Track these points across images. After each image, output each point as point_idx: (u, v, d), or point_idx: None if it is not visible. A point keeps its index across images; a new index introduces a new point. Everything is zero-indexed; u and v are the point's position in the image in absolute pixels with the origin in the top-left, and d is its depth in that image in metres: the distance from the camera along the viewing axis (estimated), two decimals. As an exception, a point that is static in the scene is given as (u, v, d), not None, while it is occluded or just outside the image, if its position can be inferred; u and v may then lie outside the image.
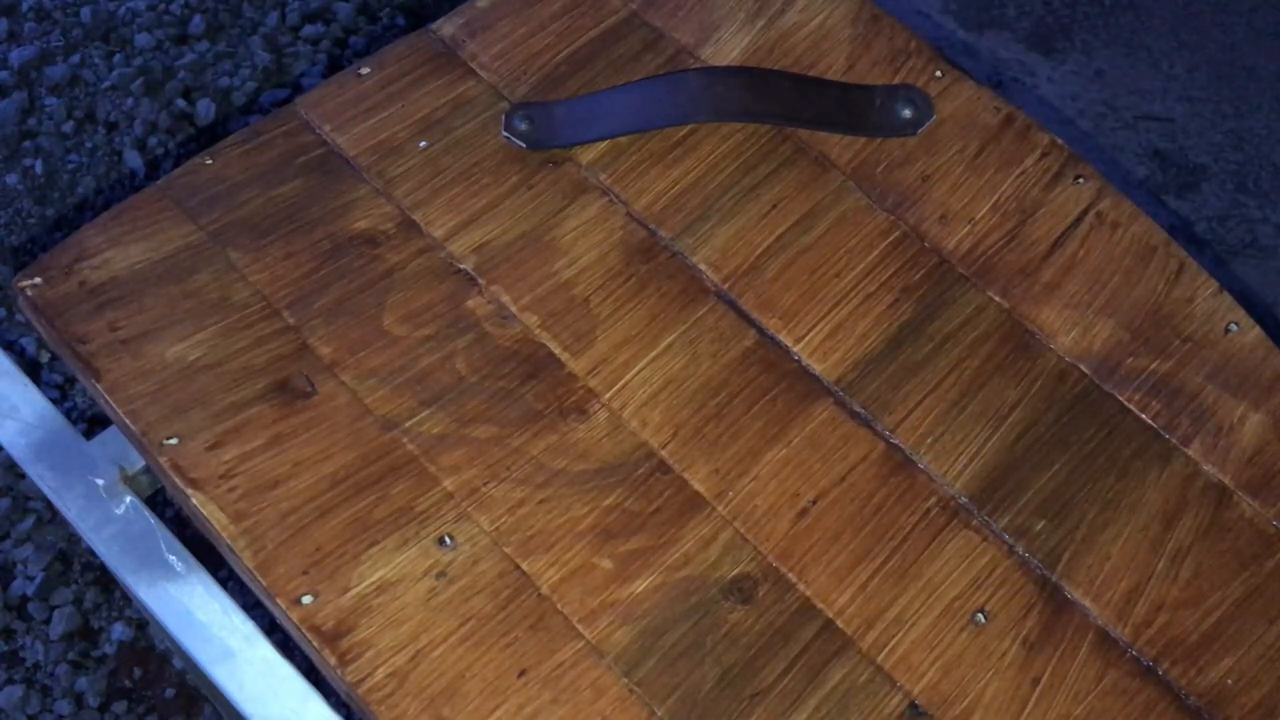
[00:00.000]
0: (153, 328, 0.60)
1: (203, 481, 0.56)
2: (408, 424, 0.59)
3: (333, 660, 0.52)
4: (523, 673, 0.53)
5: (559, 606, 0.55)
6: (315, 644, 0.52)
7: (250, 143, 0.68)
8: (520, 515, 0.57)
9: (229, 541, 0.54)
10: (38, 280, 0.61)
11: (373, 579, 0.54)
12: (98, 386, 0.58)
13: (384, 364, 0.61)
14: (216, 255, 0.64)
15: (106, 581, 1.20)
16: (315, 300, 0.63)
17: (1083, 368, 0.64)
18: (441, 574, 0.55)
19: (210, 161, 0.67)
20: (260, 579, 0.53)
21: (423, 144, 0.69)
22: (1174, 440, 0.62)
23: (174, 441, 0.56)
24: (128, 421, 0.57)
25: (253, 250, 0.64)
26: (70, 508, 0.61)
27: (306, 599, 0.53)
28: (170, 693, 1.13)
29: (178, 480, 0.55)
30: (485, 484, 0.58)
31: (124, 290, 0.61)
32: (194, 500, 0.55)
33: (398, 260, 0.65)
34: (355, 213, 0.66)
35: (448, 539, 0.56)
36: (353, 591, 0.53)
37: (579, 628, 0.54)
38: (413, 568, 0.55)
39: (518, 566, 0.55)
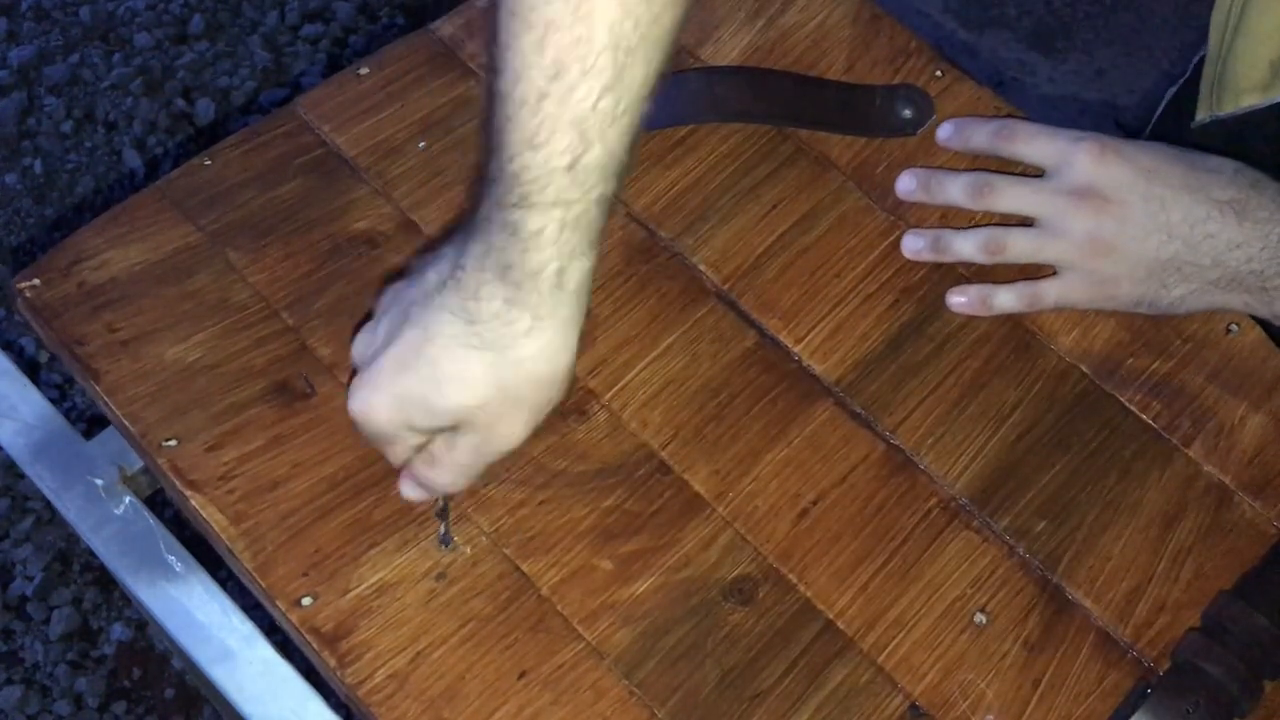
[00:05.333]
0: (151, 329, 0.60)
1: (202, 483, 0.55)
2: (407, 425, 0.59)
3: (332, 662, 0.51)
4: (523, 674, 0.52)
5: (559, 608, 0.54)
6: (315, 646, 0.52)
7: (249, 143, 0.68)
8: (520, 516, 0.57)
9: (228, 543, 0.54)
10: (36, 282, 0.61)
11: (372, 580, 0.54)
12: (96, 388, 0.58)
13: (383, 365, 0.60)
14: (215, 256, 0.63)
15: (106, 582, 1.20)
16: (314, 301, 0.63)
17: (1083, 368, 0.64)
18: (441, 575, 0.54)
19: (209, 162, 0.67)
20: (260, 581, 0.53)
21: (422, 144, 0.69)
22: (1175, 441, 0.62)
23: (173, 443, 0.56)
24: (126, 423, 0.57)
25: (252, 251, 0.64)
26: (69, 508, 0.61)
27: (306, 601, 0.53)
28: (170, 693, 1.13)
29: (177, 482, 0.55)
30: (484, 485, 0.57)
31: (122, 291, 0.61)
32: (193, 502, 0.55)
33: (397, 261, 0.64)
34: (354, 213, 0.66)
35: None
36: (352, 593, 0.53)
37: (579, 629, 0.54)
38: (412, 569, 0.54)
39: (518, 568, 0.55)
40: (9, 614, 1.18)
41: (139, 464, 0.63)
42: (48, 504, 1.06)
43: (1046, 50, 1.37)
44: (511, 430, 0.51)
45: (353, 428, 0.53)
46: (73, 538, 1.22)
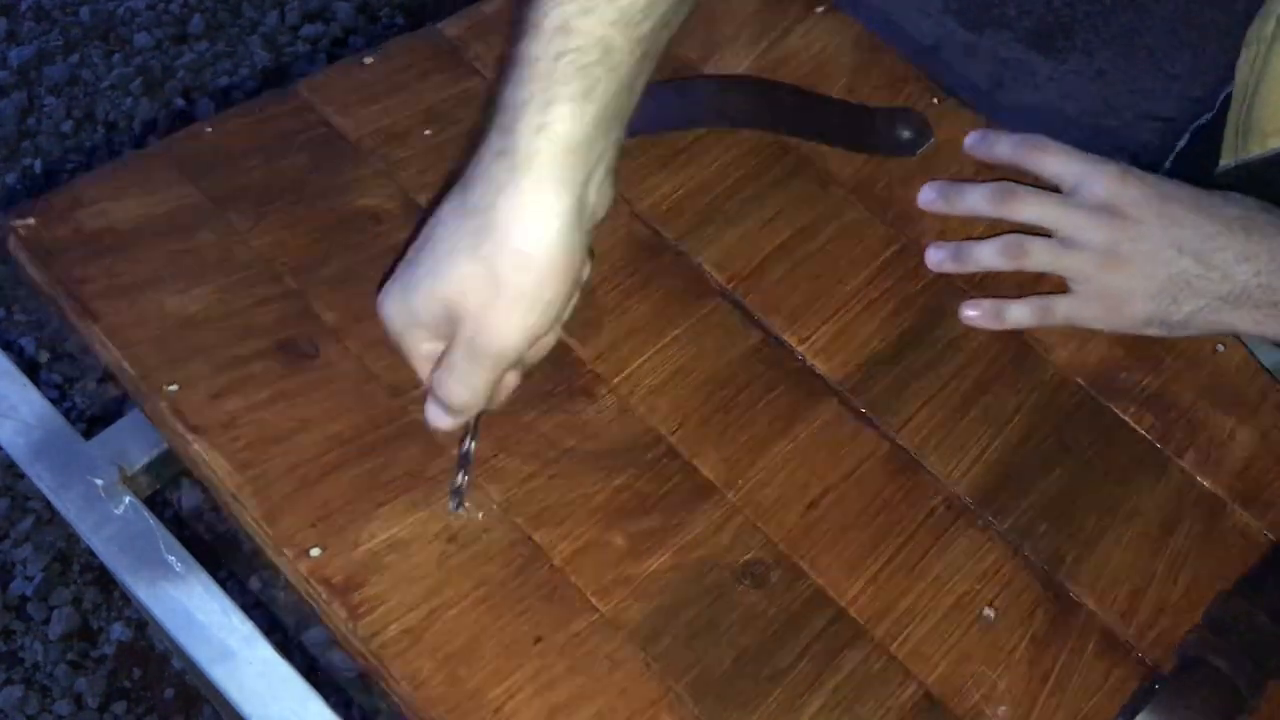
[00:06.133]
0: (152, 278, 0.55)
1: (205, 428, 0.50)
2: (414, 393, 0.55)
3: (343, 614, 0.46)
4: (538, 640, 0.48)
5: (572, 579, 0.50)
6: (325, 597, 0.47)
7: (251, 115, 0.64)
8: (531, 489, 0.53)
9: (232, 490, 0.49)
10: (31, 221, 0.56)
11: (383, 536, 0.49)
12: (94, 328, 0.52)
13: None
14: (217, 217, 0.59)
15: (105, 582, 1.15)
16: (319, 269, 0.58)
17: (1079, 380, 0.62)
18: (452, 539, 0.50)
19: (210, 130, 0.63)
20: (266, 529, 0.48)
21: (427, 132, 0.66)
22: (1168, 452, 0.61)
23: (174, 388, 0.51)
24: (126, 366, 0.52)
25: (254, 217, 0.60)
26: (69, 508, 0.57)
27: (315, 551, 0.48)
28: (170, 693, 1.08)
29: (179, 426, 0.50)
30: (494, 455, 0.53)
31: (122, 241, 0.56)
32: (195, 446, 0.50)
33: (403, 238, 0.61)
34: (358, 191, 0.62)
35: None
36: (363, 547, 0.48)
37: (593, 600, 0.50)
38: (424, 529, 0.50)
39: (529, 538, 0.51)
40: (9, 614, 1.13)
41: (139, 464, 0.58)
42: (48, 504, 1.01)
43: (1046, 50, 1.36)
44: (500, 323, 0.45)
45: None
46: (73, 538, 1.17)
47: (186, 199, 0.60)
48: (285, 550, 0.47)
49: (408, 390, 0.55)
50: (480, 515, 0.51)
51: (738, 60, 0.73)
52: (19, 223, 0.55)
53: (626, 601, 0.50)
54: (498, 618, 0.48)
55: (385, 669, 0.46)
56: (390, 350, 0.54)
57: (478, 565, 0.50)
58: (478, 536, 0.50)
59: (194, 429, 0.50)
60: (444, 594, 0.48)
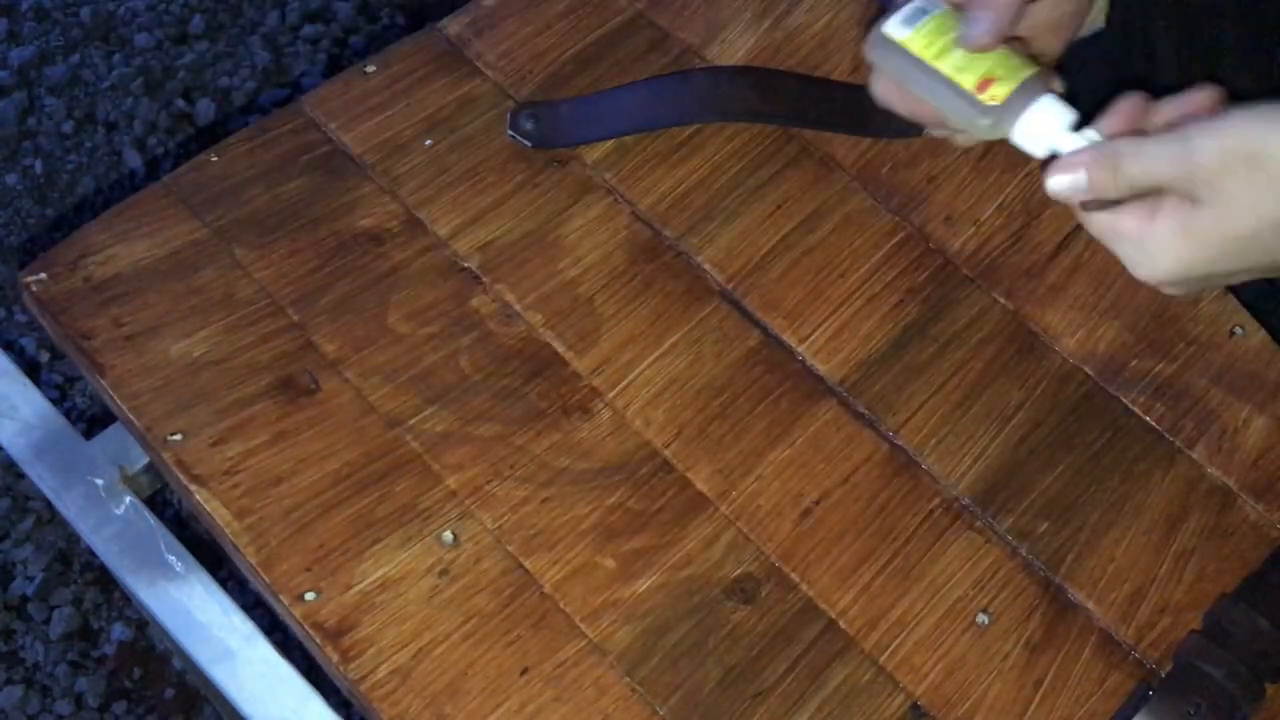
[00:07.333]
0: (157, 324, 0.61)
1: (206, 478, 0.56)
2: (411, 421, 0.59)
3: (335, 657, 0.52)
4: (525, 671, 0.53)
5: (561, 605, 0.55)
6: (318, 641, 0.52)
7: (255, 140, 0.69)
8: (523, 514, 0.57)
9: (232, 538, 0.54)
10: (43, 276, 0.61)
11: (375, 576, 0.54)
12: (102, 382, 0.58)
13: (388, 361, 0.61)
14: (221, 252, 0.64)
15: (106, 581, 1.20)
16: (319, 297, 0.63)
17: (1087, 370, 0.64)
18: (444, 572, 0.55)
19: (215, 159, 0.68)
20: (263, 575, 0.53)
21: (428, 142, 0.70)
22: (1178, 443, 0.62)
23: (178, 438, 0.57)
24: (132, 417, 0.57)
25: (257, 247, 0.65)
26: (70, 508, 0.62)
27: (309, 596, 0.53)
28: (170, 693, 1.14)
29: (181, 476, 0.56)
30: (488, 482, 0.58)
31: (129, 286, 0.62)
32: (197, 496, 0.55)
33: (402, 258, 0.65)
34: (360, 210, 0.67)
35: (450, 536, 0.56)
36: (355, 589, 0.54)
37: (581, 626, 0.55)
38: (416, 565, 0.55)
39: (520, 565, 0.56)
40: (9, 614, 1.19)
41: (139, 464, 0.63)
42: (48, 504, 1.06)
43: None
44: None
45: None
46: (73, 538, 1.22)
47: (192, 235, 0.65)
48: (281, 596, 0.53)
49: (404, 420, 0.59)
50: (473, 547, 0.56)
51: (741, 41, 0.75)
52: (31, 279, 0.61)
53: (614, 625, 0.55)
54: (486, 650, 0.53)
55: (375, 710, 0.51)
56: (388, 377, 0.59)
57: (468, 597, 0.55)
58: (469, 568, 0.55)
59: (195, 479, 0.56)
60: (434, 630, 0.53)
